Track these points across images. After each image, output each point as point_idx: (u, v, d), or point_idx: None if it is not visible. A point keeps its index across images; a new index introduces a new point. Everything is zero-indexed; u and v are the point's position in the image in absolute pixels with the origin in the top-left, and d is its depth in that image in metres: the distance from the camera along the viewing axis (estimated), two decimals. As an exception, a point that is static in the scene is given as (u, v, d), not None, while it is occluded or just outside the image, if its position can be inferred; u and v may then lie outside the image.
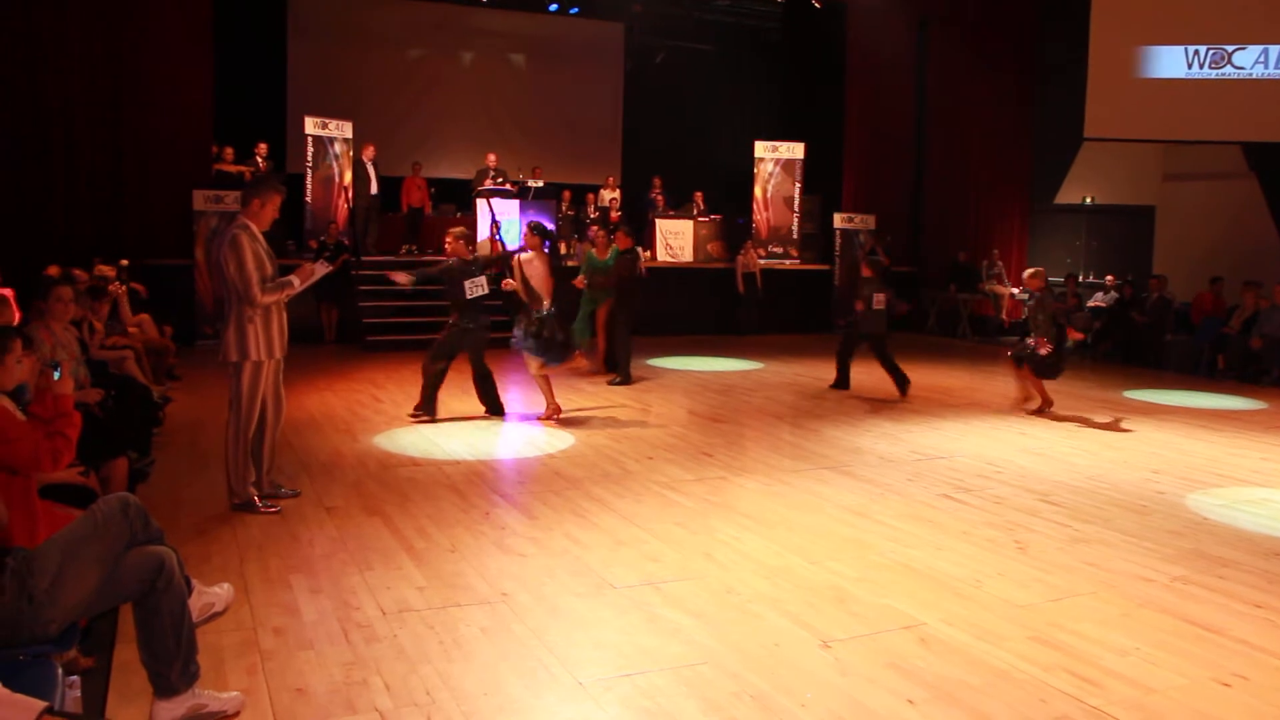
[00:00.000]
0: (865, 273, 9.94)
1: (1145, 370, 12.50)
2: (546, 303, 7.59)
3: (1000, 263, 16.27)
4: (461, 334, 7.69)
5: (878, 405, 9.19)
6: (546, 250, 7.70)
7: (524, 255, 7.66)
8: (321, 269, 5.42)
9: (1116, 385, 10.95)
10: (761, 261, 15.55)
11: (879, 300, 9.61)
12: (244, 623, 3.83)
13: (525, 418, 8.12)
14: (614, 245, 10.27)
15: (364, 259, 13.32)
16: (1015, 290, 15.94)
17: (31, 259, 9.83)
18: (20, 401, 3.57)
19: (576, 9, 18.15)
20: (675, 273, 15.09)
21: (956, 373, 11.31)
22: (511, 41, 18.17)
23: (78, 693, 2.96)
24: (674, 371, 11.12)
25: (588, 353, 10.47)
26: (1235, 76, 14.34)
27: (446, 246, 7.85)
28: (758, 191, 16.68)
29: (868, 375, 10.95)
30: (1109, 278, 14.77)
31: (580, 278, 10.28)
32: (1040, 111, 16.86)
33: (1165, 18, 14.77)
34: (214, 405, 7.39)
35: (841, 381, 9.95)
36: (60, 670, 2.69)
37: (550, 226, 10.50)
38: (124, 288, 9.13)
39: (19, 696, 2.24)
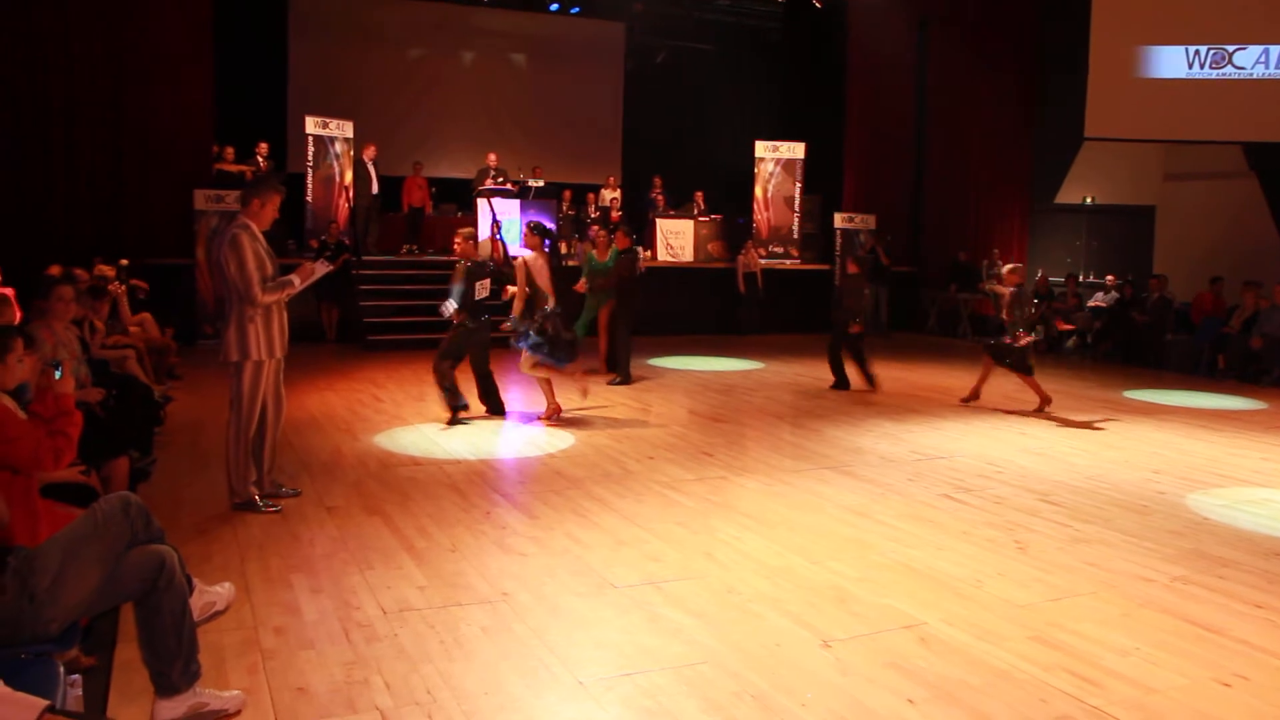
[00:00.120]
0: (851, 269, 10.17)
1: (1145, 370, 12.50)
2: (551, 301, 7.61)
3: (1001, 262, 16.24)
4: (468, 333, 7.71)
5: (878, 404, 9.19)
6: (547, 249, 7.71)
7: (528, 255, 7.65)
8: (322, 268, 5.42)
9: (1117, 385, 10.95)
10: (762, 261, 15.55)
11: (866, 296, 9.83)
12: (245, 622, 3.83)
13: (526, 417, 8.12)
14: (613, 246, 10.27)
15: (364, 258, 13.33)
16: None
17: (32, 258, 9.82)
18: (21, 400, 3.57)
19: (577, 9, 18.16)
20: (676, 272, 15.08)
21: (957, 373, 11.29)
22: (512, 41, 18.18)
23: (79, 691, 2.96)
24: (675, 371, 11.12)
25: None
26: (1236, 76, 14.34)
27: (456, 247, 7.86)
28: (758, 191, 16.68)
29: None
30: (1109, 277, 14.76)
31: (582, 281, 10.29)
32: (1041, 111, 16.86)
33: (1166, 17, 14.77)
34: (215, 405, 7.39)
35: (841, 382, 9.97)
36: (62, 669, 2.69)
37: (551, 226, 10.49)
38: (123, 287, 9.13)
39: (21, 695, 2.24)
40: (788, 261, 16.43)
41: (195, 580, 3.69)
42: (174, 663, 2.98)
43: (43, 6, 11.98)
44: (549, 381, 7.98)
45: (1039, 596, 4.35)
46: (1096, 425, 8.49)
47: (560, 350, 7.60)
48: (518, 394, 9.02)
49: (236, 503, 5.29)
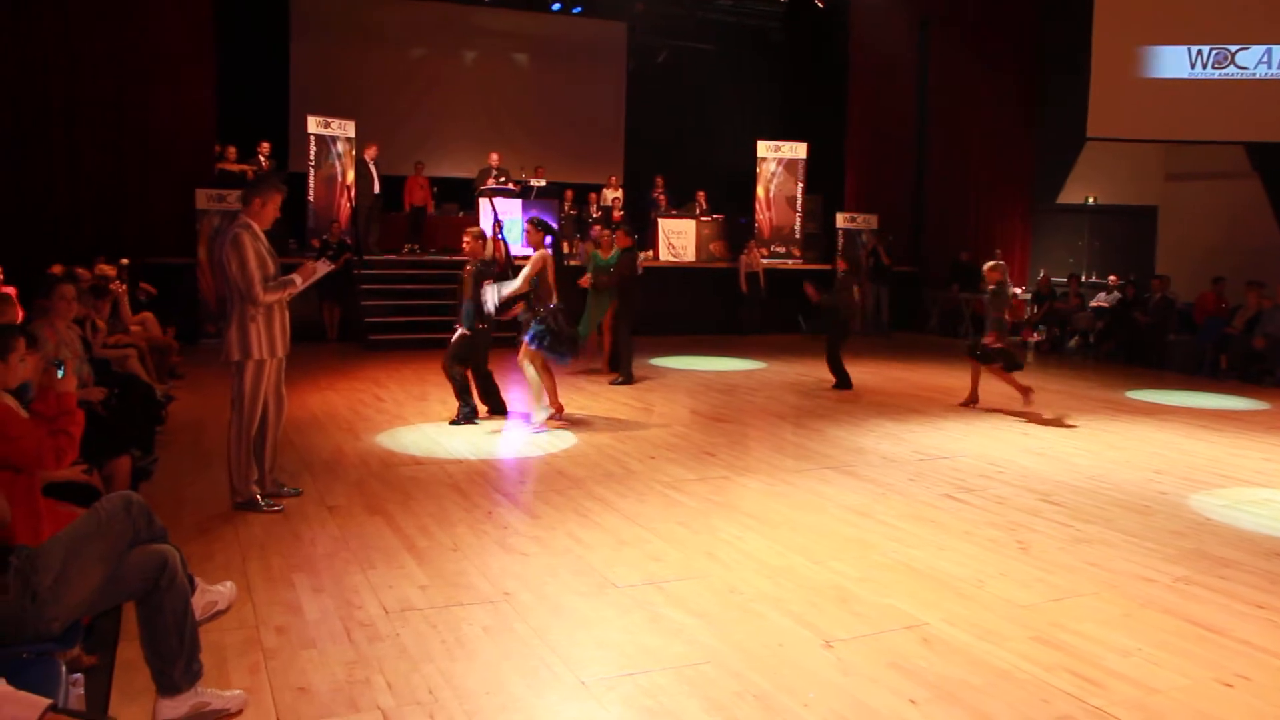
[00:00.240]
0: (841, 267, 10.22)
1: (1148, 370, 12.49)
2: (555, 298, 7.60)
3: (1003, 263, 16.22)
4: (475, 335, 7.71)
5: (880, 404, 9.18)
6: (548, 246, 7.71)
7: (544, 251, 7.60)
8: (323, 268, 5.43)
9: (1119, 385, 10.94)
10: (764, 261, 15.54)
11: (855, 294, 9.92)
12: (247, 621, 3.83)
13: (527, 417, 8.11)
14: (615, 245, 10.27)
15: (366, 258, 13.34)
16: (1018, 290, 16.01)
17: (33, 258, 9.84)
18: (24, 399, 3.57)
19: (579, 8, 18.17)
20: (677, 272, 15.09)
21: (958, 373, 11.26)
22: (514, 41, 18.18)
23: (81, 690, 2.96)
24: (676, 371, 11.12)
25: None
26: (1238, 76, 14.32)
27: (464, 246, 7.86)
28: (760, 191, 16.68)
29: (871, 375, 10.97)
30: (1111, 278, 14.76)
31: (586, 277, 10.30)
32: (1042, 111, 16.85)
33: (1168, 17, 14.75)
34: (216, 404, 7.39)
35: (843, 382, 9.97)
36: (64, 668, 2.69)
37: (553, 224, 10.50)
38: (123, 286, 9.13)
39: (23, 694, 2.25)
40: (790, 261, 16.42)
41: (197, 579, 3.69)
42: (176, 662, 2.98)
43: (44, 6, 11.99)
44: (552, 379, 7.97)
45: (1040, 597, 4.35)
46: (1066, 423, 8.48)
47: (563, 345, 7.59)
48: (519, 394, 9.01)
49: (238, 502, 5.29)
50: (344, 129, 14.03)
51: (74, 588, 2.81)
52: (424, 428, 7.61)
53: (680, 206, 16.50)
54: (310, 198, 13.69)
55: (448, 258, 13.86)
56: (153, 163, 12.67)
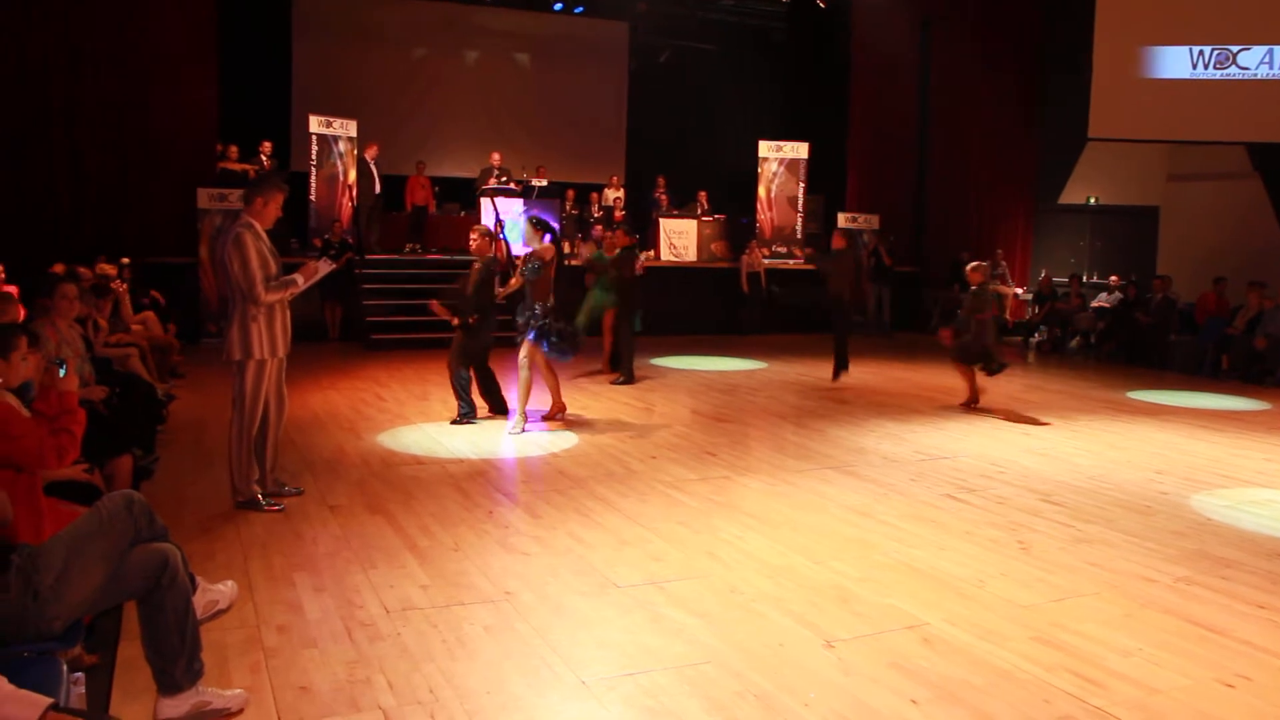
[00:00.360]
0: (838, 243, 10.24)
1: (1149, 371, 12.48)
2: (551, 297, 7.60)
3: (1004, 263, 16.25)
4: (477, 333, 7.71)
5: (881, 404, 9.18)
6: (548, 243, 7.70)
7: (545, 250, 7.59)
8: (325, 267, 5.43)
9: (1120, 386, 10.93)
10: (766, 261, 15.54)
11: (852, 272, 10.10)
12: (248, 620, 3.84)
13: (529, 416, 8.11)
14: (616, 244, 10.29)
15: (368, 257, 13.34)
16: (1019, 290, 16.01)
17: (35, 257, 9.85)
18: (25, 398, 3.58)
19: (581, 8, 18.17)
20: (679, 272, 15.08)
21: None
22: (516, 41, 18.19)
23: (82, 689, 2.96)
24: (678, 371, 11.12)
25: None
26: (1240, 77, 14.31)
27: (471, 244, 7.84)
28: (761, 191, 16.68)
29: (873, 375, 10.97)
30: (1113, 278, 14.75)
31: (591, 273, 10.32)
32: (1043, 111, 16.84)
33: (1169, 18, 14.74)
34: (218, 403, 7.40)
35: (840, 363, 10.01)
36: (65, 667, 2.69)
37: (555, 225, 10.51)
38: (124, 286, 9.14)
39: (24, 693, 2.25)
40: (791, 261, 16.42)
41: (198, 578, 3.69)
42: (177, 661, 2.98)
43: (44, 6, 11.99)
44: (555, 378, 7.98)
45: (1041, 597, 4.34)
46: (1037, 420, 8.48)
47: (565, 343, 7.58)
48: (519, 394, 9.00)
49: (239, 501, 5.30)
50: (346, 128, 14.04)
51: (75, 586, 2.81)
52: (425, 427, 7.62)
53: (682, 206, 16.50)
54: (312, 197, 13.70)
55: (449, 257, 13.87)
56: (154, 162, 12.67)
